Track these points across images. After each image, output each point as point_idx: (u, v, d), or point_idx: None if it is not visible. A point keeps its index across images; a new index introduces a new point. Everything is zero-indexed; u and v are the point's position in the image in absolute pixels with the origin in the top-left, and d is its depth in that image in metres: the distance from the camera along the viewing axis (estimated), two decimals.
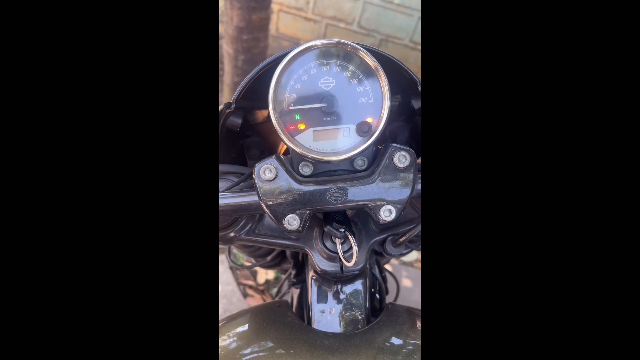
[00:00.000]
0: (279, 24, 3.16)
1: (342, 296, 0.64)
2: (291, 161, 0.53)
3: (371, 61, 0.49)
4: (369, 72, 0.50)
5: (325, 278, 0.65)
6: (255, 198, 0.51)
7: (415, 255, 2.41)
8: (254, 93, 0.56)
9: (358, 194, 0.50)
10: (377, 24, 3.03)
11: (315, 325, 0.63)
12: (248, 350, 0.55)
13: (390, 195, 0.50)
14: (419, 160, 0.52)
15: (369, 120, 0.50)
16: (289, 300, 0.87)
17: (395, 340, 0.56)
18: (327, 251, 0.61)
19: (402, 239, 0.63)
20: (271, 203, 0.49)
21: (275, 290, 2.05)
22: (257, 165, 0.49)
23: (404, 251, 0.71)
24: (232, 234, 0.63)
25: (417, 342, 0.55)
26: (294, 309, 0.82)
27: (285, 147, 0.64)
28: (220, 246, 0.95)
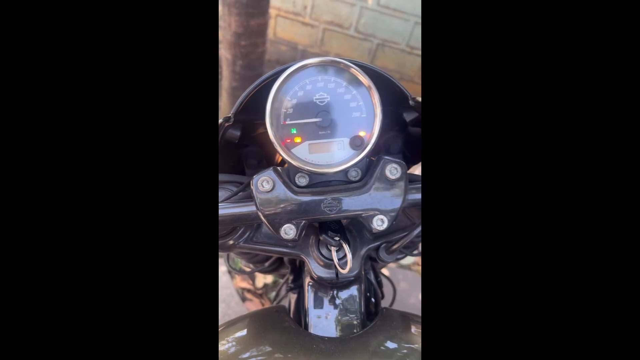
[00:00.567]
0: (276, 28, 3.18)
1: (338, 301, 0.66)
2: (288, 172, 0.55)
3: (364, 79, 0.51)
4: (361, 88, 0.52)
5: (321, 284, 0.67)
6: (253, 208, 0.52)
7: (412, 259, 2.42)
8: (252, 106, 0.57)
9: (352, 204, 0.52)
10: (373, 29, 3.05)
11: (312, 330, 0.64)
12: (247, 355, 0.56)
13: (382, 205, 0.52)
14: (418, 168, 0.53)
15: (362, 134, 0.52)
16: (287, 305, 0.89)
17: (390, 344, 0.58)
18: (323, 258, 0.62)
19: (395, 247, 0.65)
20: (269, 213, 0.51)
21: (273, 294, 2.06)
22: (255, 177, 0.51)
23: (398, 257, 0.73)
24: (231, 242, 0.65)
25: (411, 345, 0.57)
26: (291, 314, 0.83)
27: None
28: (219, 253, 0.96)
